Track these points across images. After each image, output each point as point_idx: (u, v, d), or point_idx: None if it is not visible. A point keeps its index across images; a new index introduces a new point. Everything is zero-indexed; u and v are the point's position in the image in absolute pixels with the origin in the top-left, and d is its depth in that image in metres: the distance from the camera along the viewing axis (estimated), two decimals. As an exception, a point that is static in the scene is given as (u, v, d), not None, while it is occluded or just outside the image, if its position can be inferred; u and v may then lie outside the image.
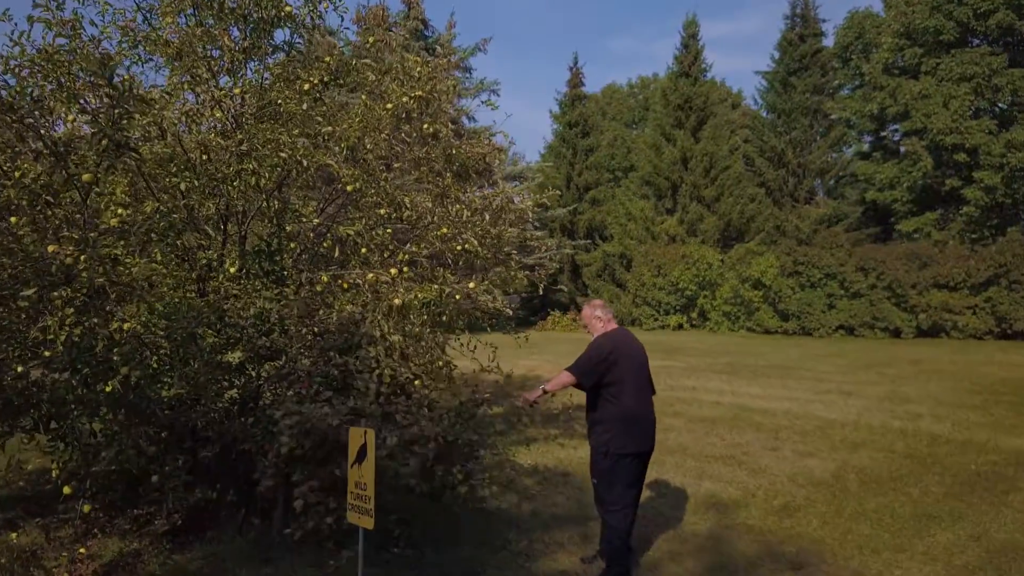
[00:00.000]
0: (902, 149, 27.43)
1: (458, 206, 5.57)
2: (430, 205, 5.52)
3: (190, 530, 4.36)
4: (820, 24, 26.50)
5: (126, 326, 4.00)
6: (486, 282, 5.70)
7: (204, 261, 4.85)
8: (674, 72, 26.65)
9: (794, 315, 20.02)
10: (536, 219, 20.08)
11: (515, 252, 6.10)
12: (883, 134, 29.02)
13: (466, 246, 5.51)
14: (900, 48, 24.85)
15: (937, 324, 17.89)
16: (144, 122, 4.23)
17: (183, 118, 4.28)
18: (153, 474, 3.99)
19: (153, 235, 4.01)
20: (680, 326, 23.19)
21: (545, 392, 3.83)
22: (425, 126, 5.86)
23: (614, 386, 3.84)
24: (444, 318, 4.71)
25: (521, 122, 64.98)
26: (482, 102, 6.10)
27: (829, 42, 28.20)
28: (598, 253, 27.01)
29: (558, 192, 6.80)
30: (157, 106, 4.33)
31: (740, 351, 16.12)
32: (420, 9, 22.45)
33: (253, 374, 4.58)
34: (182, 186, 4.71)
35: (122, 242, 3.80)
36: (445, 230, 5.47)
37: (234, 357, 4.39)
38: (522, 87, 66.07)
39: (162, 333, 4.09)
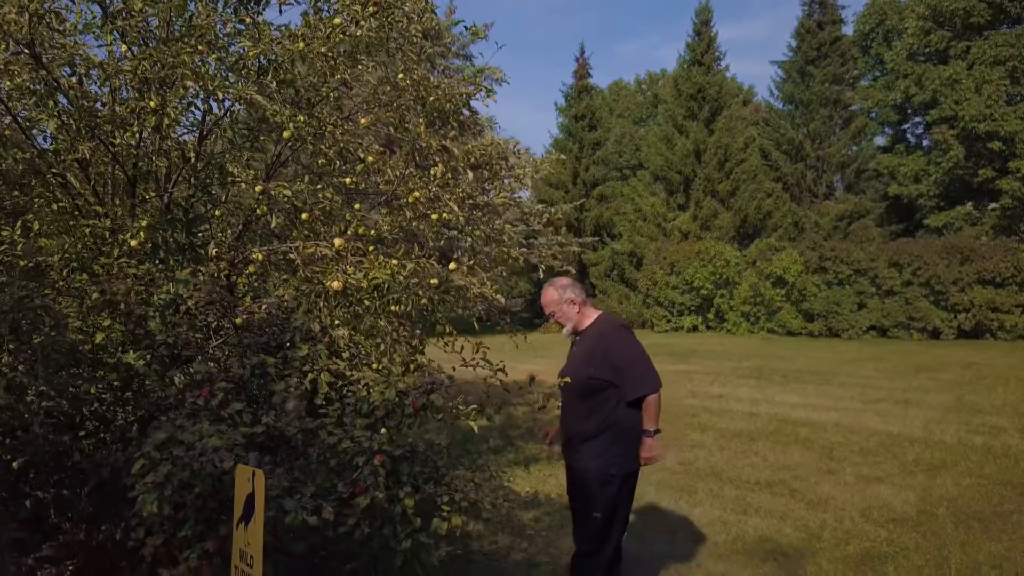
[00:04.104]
0: (926, 142, 26.01)
1: (435, 168, 4.32)
2: (402, 165, 4.27)
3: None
4: (839, 11, 25.31)
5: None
6: (472, 262, 4.41)
7: (87, 230, 3.65)
8: (686, 61, 25.34)
9: (820, 315, 18.53)
10: (539, 216, 18.67)
11: (510, 224, 4.80)
12: (906, 126, 27.61)
13: (444, 214, 4.25)
14: (926, 32, 23.46)
15: (981, 324, 16.37)
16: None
17: (29, 18, 3.03)
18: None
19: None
20: (695, 328, 21.75)
21: (659, 431, 2.94)
22: (400, 75, 4.62)
23: (626, 386, 3.09)
24: (396, 307, 3.45)
25: (524, 125, 63.93)
26: (464, 28, 4.74)
27: (848, 30, 26.94)
28: (606, 252, 25.68)
29: (563, 157, 5.47)
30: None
31: (765, 354, 14.74)
32: (418, -5, 21.32)
33: (166, 380, 3.49)
34: (50, 126, 3.52)
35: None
36: (417, 194, 4.20)
37: (133, 358, 3.35)
38: (526, 92, 65.03)
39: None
